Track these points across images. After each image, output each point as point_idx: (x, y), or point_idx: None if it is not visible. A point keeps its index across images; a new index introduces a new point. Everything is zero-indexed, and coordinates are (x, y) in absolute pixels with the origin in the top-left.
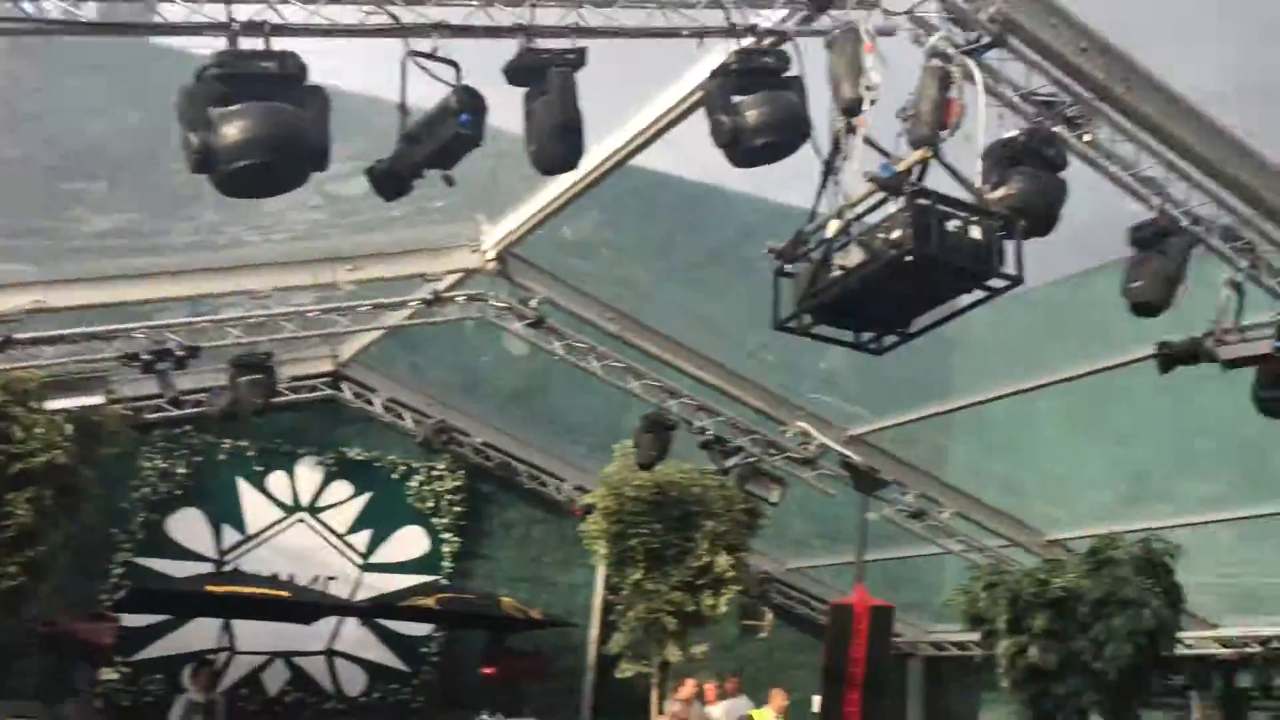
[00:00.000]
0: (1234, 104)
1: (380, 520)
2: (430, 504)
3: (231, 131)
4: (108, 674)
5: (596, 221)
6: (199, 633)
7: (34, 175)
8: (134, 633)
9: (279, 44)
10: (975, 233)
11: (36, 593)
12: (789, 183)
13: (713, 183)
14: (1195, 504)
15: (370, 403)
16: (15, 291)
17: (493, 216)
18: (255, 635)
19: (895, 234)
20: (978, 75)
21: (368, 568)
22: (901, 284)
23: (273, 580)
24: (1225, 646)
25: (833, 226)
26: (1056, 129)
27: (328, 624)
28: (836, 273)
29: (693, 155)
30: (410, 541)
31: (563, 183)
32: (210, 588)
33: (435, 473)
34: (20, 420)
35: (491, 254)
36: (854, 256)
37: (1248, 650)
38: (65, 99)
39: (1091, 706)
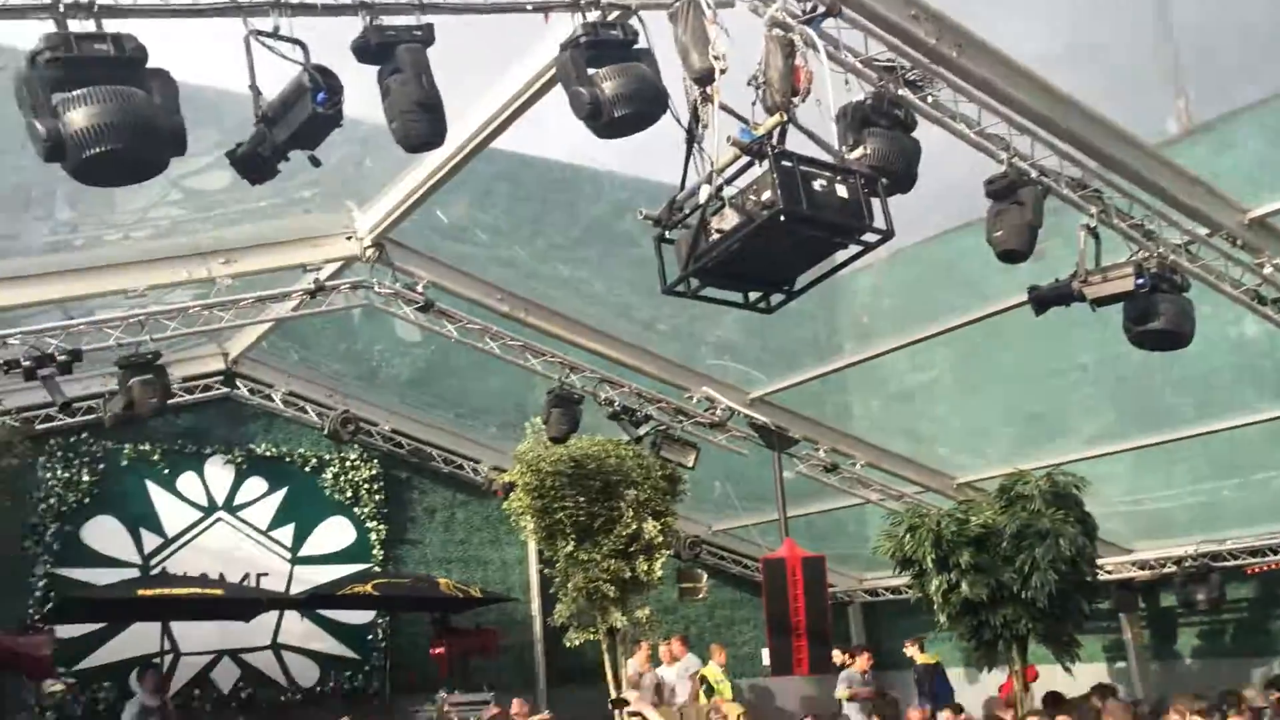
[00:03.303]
0: (1065, 64)
1: (301, 514)
2: (349, 494)
3: (78, 118)
4: (51, 685)
5: (469, 205)
6: (140, 637)
7: None
8: (72, 643)
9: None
10: (842, 190)
11: None
12: (654, 159)
13: (579, 163)
14: (1089, 440)
15: (269, 398)
16: None
17: (363, 204)
18: (198, 636)
19: (765, 195)
20: (819, 43)
21: (298, 561)
22: (779, 243)
23: (203, 580)
24: (1142, 569)
25: (704, 191)
26: (901, 92)
27: (269, 620)
28: (715, 236)
29: (557, 136)
30: (336, 532)
31: (429, 166)
32: (141, 592)
33: (349, 463)
34: None
35: (368, 240)
36: (729, 219)
37: (1165, 571)
38: None
39: (1028, 633)
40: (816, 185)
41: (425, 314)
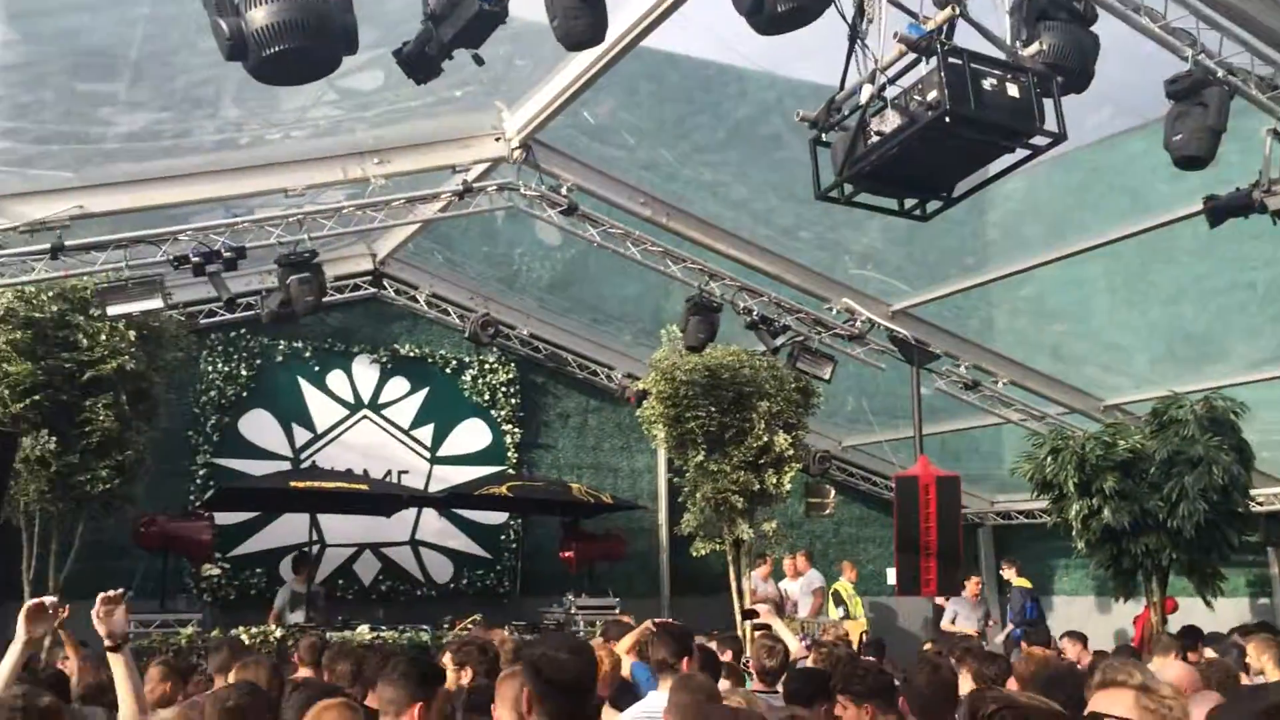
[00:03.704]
0: None
1: (441, 414)
2: (487, 397)
3: (259, 16)
4: (209, 570)
5: (614, 106)
6: (290, 528)
7: (48, 79)
8: (228, 529)
9: None
10: (1012, 90)
11: (131, 495)
12: (805, 58)
13: (726, 61)
14: (1251, 364)
15: (414, 299)
16: (56, 197)
17: (512, 104)
18: (342, 528)
19: (931, 95)
20: None
21: (436, 460)
22: (941, 146)
23: (349, 475)
24: None
25: (866, 92)
26: None
27: (408, 516)
28: (874, 139)
29: (705, 32)
30: (473, 434)
31: (579, 66)
32: (294, 484)
33: (487, 366)
34: (83, 328)
35: (516, 142)
36: (890, 121)
37: None
38: None
39: (1170, 564)
40: (986, 84)
41: (569, 217)
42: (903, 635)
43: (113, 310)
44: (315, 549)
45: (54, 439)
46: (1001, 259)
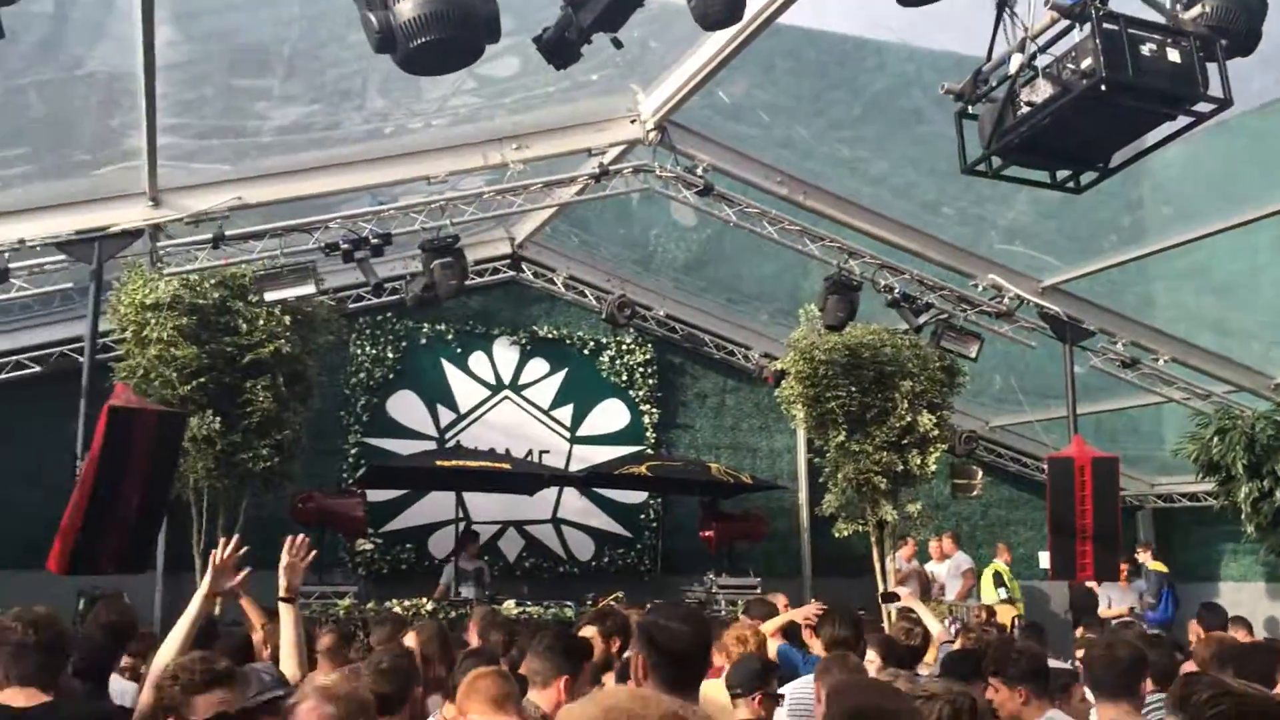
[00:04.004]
0: None
1: (579, 395)
2: (624, 377)
3: (406, 8)
4: (363, 544)
5: (749, 84)
6: (436, 505)
7: (209, 76)
8: (378, 506)
9: None
10: (1173, 55)
11: (289, 473)
12: (942, 28)
13: (865, 35)
14: None
15: (552, 282)
16: (217, 189)
17: (647, 86)
18: (487, 506)
19: (1085, 62)
20: None
21: (576, 440)
22: (1097, 115)
23: (492, 454)
24: None
25: (1015, 61)
26: None
27: (550, 495)
28: (1024, 110)
29: (842, 6)
30: (611, 414)
31: (714, 45)
32: (440, 463)
33: (625, 347)
34: (242, 313)
35: (651, 123)
36: (1042, 90)
37: None
38: None
39: None
40: (1144, 49)
41: (704, 198)
42: (1054, 620)
43: (269, 296)
44: (461, 526)
45: (218, 419)
46: (1160, 230)
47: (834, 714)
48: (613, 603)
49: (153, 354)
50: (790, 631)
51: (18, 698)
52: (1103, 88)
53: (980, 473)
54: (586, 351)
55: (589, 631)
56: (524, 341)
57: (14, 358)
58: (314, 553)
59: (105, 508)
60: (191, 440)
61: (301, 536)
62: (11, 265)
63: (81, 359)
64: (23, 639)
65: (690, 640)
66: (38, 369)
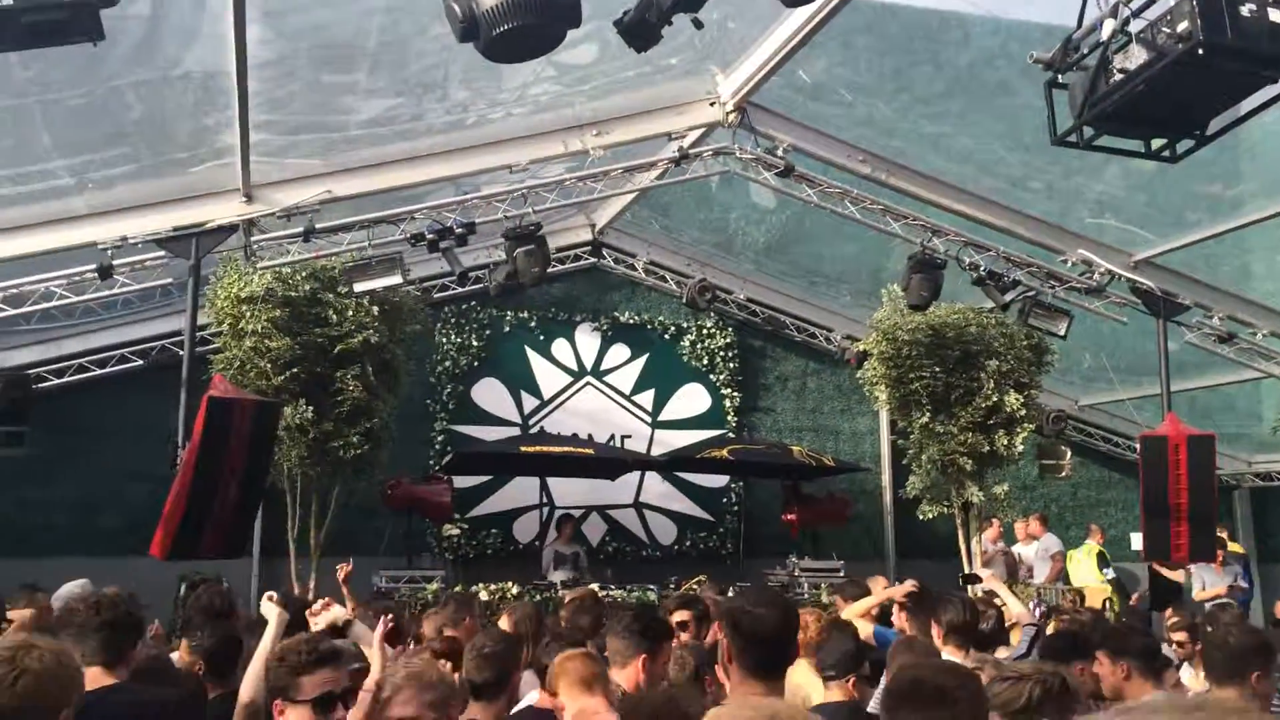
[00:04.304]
0: None
1: (661, 380)
2: (705, 361)
3: None
4: (450, 529)
5: (830, 61)
6: (520, 490)
7: (297, 72)
8: (464, 492)
9: None
10: (1275, 15)
11: (378, 460)
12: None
13: (948, 8)
14: None
15: (632, 268)
16: (307, 184)
17: (726, 68)
18: (570, 491)
19: (1182, 25)
20: None
21: (658, 425)
22: (1194, 80)
23: (575, 439)
24: None
25: (1108, 27)
26: None
27: (632, 479)
28: (1117, 77)
29: None
30: (692, 398)
31: (794, 23)
32: (524, 448)
33: (705, 331)
34: (332, 305)
35: (730, 105)
36: (1136, 56)
37: None
38: None
39: None
40: (1244, 10)
41: (785, 178)
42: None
43: (359, 287)
44: (545, 511)
45: (311, 408)
46: (1260, 200)
47: (892, 688)
48: (695, 586)
49: (248, 346)
50: (882, 613)
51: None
52: (1200, 51)
53: (1069, 453)
54: (667, 336)
55: (682, 615)
56: (605, 327)
57: (118, 352)
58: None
59: (205, 496)
60: (285, 429)
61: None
62: (114, 262)
63: (181, 352)
64: (86, 619)
65: (776, 625)
66: (140, 363)
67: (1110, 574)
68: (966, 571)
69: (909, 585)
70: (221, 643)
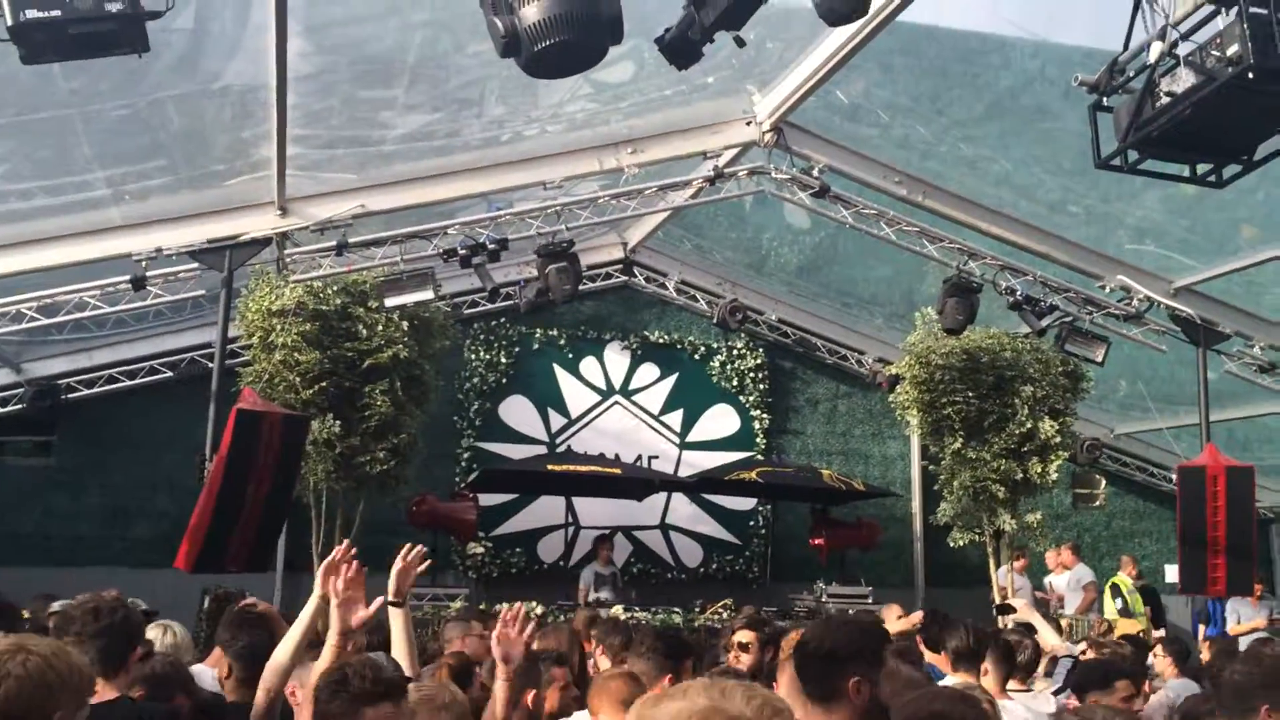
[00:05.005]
0: None
1: (690, 400)
2: (735, 383)
3: (531, 12)
4: (474, 548)
5: (868, 82)
6: (546, 509)
7: (336, 87)
8: (490, 510)
9: None
10: None
11: (404, 476)
12: (1070, 24)
13: (987, 30)
14: None
15: (664, 286)
16: (342, 198)
17: (763, 87)
18: (595, 511)
19: (1231, 49)
20: None
21: (686, 446)
22: (1242, 105)
23: (602, 459)
24: None
25: (1155, 50)
26: None
27: (659, 500)
28: (1164, 100)
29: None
30: (721, 419)
31: (833, 44)
32: (550, 467)
33: (736, 352)
34: (362, 319)
35: (767, 125)
36: (1183, 80)
37: None
38: (352, 6)
39: None
40: None
41: (820, 199)
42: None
43: (390, 301)
44: (570, 530)
45: (338, 423)
46: None
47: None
48: (720, 610)
49: (278, 359)
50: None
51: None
52: (1250, 75)
53: (1104, 482)
54: (697, 356)
55: (746, 636)
56: (635, 346)
57: (148, 363)
58: (429, 561)
59: (231, 509)
60: (312, 443)
61: (419, 546)
62: (148, 273)
63: (210, 364)
64: (83, 625)
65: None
66: (169, 374)
67: (1119, 605)
68: (997, 600)
69: (917, 617)
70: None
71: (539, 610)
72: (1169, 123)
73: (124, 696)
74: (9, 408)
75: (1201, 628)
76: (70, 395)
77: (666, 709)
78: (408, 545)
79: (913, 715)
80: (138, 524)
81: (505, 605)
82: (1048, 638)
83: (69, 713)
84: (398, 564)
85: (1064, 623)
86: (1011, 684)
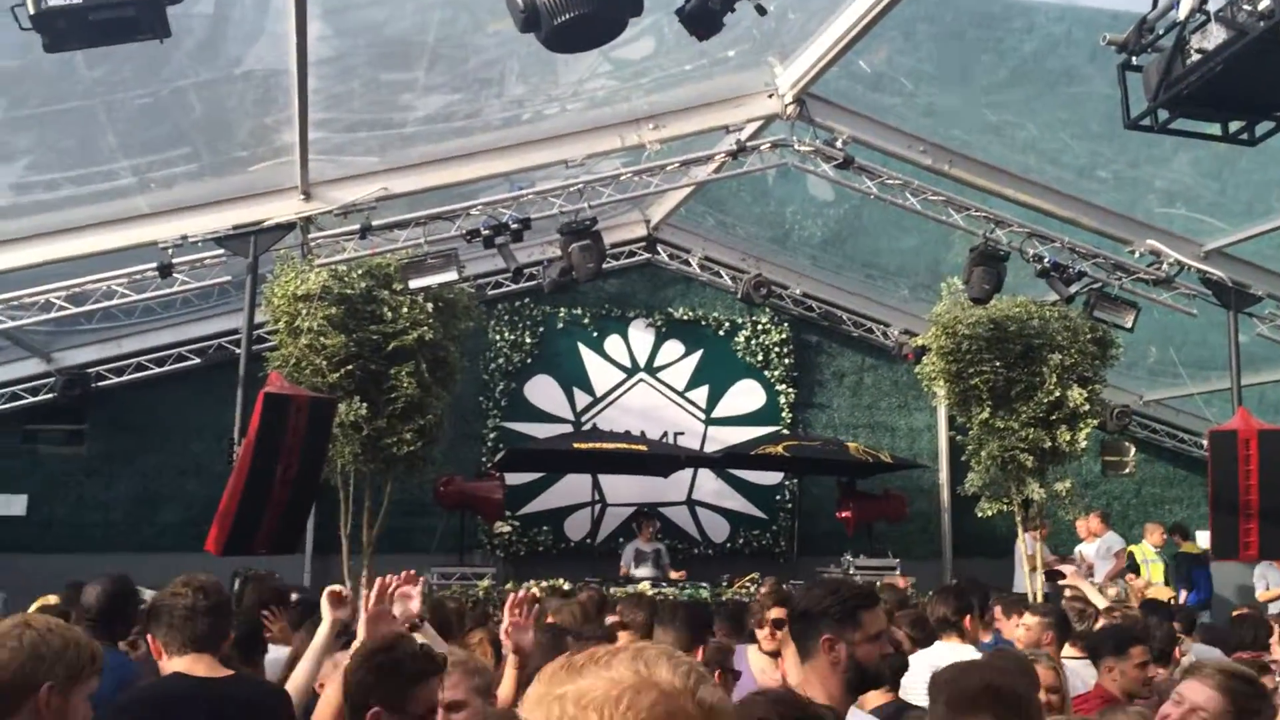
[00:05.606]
0: None
1: (715, 376)
2: (760, 357)
3: None
4: (501, 527)
5: (891, 51)
6: (573, 487)
7: (356, 69)
8: (516, 489)
9: None
10: None
11: (431, 457)
12: None
13: None
14: None
15: (687, 263)
16: (364, 181)
17: (785, 59)
18: (622, 488)
19: (1264, 3)
20: None
21: (711, 421)
22: (1276, 60)
23: (628, 436)
24: None
25: (1186, 6)
26: None
27: (685, 476)
28: (1195, 57)
29: None
30: (747, 395)
31: (855, 12)
32: (576, 445)
33: (760, 327)
34: (387, 302)
35: (789, 97)
36: (1214, 36)
37: None
38: None
39: None
40: None
41: (844, 170)
42: (1218, 602)
43: (414, 284)
44: (597, 508)
45: (365, 405)
46: None
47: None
48: (748, 584)
49: (304, 343)
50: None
51: (197, 666)
52: None
53: (1133, 449)
54: (722, 332)
55: (779, 613)
56: (659, 323)
57: (177, 350)
58: (417, 575)
59: (260, 491)
60: (339, 426)
61: (411, 572)
62: (174, 261)
63: (238, 350)
64: (193, 603)
65: None
66: (197, 361)
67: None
68: (1024, 569)
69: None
70: None
71: (566, 587)
72: (1200, 80)
73: (240, 675)
74: (40, 396)
75: (1184, 593)
76: (100, 383)
77: (586, 682)
78: (380, 581)
79: (980, 686)
80: (168, 509)
81: (511, 591)
82: (1096, 603)
83: (60, 683)
84: (396, 591)
85: (1112, 591)
86: (1069, 649)
